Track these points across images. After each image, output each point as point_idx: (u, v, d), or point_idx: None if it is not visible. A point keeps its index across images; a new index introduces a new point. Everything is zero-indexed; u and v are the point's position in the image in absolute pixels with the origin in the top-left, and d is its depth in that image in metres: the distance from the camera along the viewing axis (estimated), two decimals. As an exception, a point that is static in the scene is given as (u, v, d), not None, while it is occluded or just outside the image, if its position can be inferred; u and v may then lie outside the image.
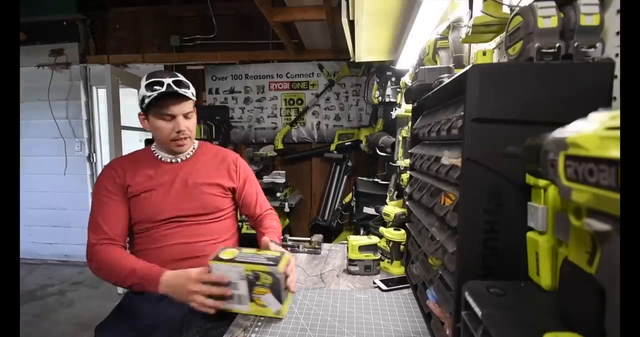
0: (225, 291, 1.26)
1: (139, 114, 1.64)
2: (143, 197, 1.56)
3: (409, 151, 1.44)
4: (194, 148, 1.75)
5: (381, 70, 3.15)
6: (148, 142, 4.20)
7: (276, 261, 1.24)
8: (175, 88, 1.51)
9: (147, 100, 1.50)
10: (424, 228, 1.16)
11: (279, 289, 1.23)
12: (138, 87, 1.56)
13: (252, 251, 1.33)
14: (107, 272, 1.44)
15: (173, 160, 1.67)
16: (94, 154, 4.88)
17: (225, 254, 1.29)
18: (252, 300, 1.27)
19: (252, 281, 1.25)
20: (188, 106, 1.60)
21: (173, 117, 1.56)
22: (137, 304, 1.46)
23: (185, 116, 1.60)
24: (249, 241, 1.73)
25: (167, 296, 1.37)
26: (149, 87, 1.50)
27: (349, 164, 4.45)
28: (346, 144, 4.41)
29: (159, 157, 1.67)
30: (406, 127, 1.86)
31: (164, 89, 1.49)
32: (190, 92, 1.58)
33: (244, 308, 1.29)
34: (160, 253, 1.53)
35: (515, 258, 0.76)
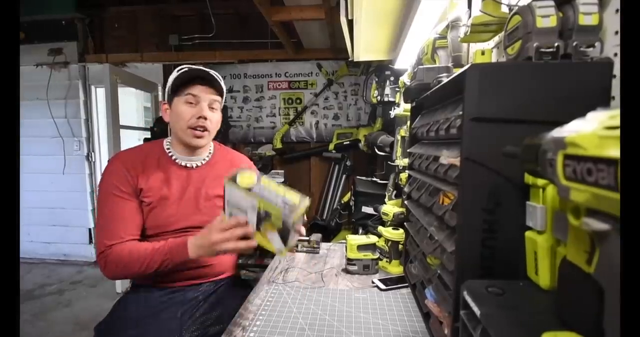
0: (247, 229, 1.22)
1: (162, 104, 1.59)
2: (155, 206, 1.48)
3: (408, 150, 1.44)
4: (210, 153, 1.67)
5: (380, 70, 3.15)
6: (147, 141, 4.21)
7: (292, 209, 1.15)
8: (206, 71, 1.49)
9: (174, 81, 1.48)
10: (423, 227, 1.15)
11: (286, 234, 1.19)
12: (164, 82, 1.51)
13: (272, 184, 1.23)
14: (127, 265, 1.35)
15: (188, 164, 1.58)
16: (92, 153, 4.87)
17: (243, 179, 1.22)
18: (258, 229, 1.23)
19: (262, 217, 1.20)
20: (215, 97, 1.54)
21: (197, 101, 1.49)
22: (135, 302, 1.46)
23: (211, 107, 1.53)
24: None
25: (165, 290, 1.38)
26: (180, 71, 1.48)
27: (348, 163, 4.46)
28: (345, 143, 4.42)
29: (173, 158, 1.57)
30: (405, 127, 1.86)
31: (195, 70, 1.48)
32: (221, 82, 1.54)
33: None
34: None
35: (514, 257, 0.76)
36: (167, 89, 1.53)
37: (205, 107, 1.50)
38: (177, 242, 1.35)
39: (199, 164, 1.61)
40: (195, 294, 1.49)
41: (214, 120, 1.56)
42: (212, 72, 1.51)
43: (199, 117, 1.49)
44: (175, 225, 1.49)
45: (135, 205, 1.46)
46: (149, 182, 1.48)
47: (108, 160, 1.55)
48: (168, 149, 1.59)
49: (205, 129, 1.52)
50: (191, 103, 1.49)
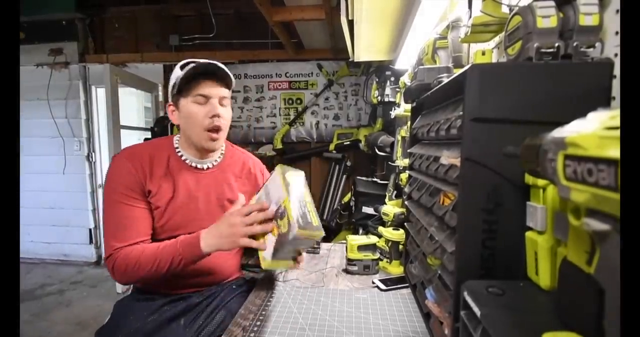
0: (268, 214, 1.18)
1: (168, 105, 1.48)
2: (162, 209, 1.41)
3: (408, 151, 1.44)
4: (221, 153, 1.60)
5: (380, 70, 3.15)
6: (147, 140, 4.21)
7: (306, 226, 1.10)
8: (212, 63, 1.38)
9: (179, 81, 1.37)
10: (423, 228, 1.16)
11: (280, 245, 1.14)
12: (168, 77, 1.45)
13: (308, 198, 1.21)
14: (136, 265, 1.27)
15: (199, 166, 1.50)
16: (93, 154, 4.87)
17: (291, 176, 1.22)
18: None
19: (276, 215, 1.17)
20: (225, 92, 1.44)
21: (207, 99, 1.40)
22: (137, 309, 1.42)
23: (221, 102, 1.44)
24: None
25: (168, 298, 1.37)
26: (184, 67, 1.38)
27: (348, 163, 4.46)
28: (345, 143, 4.41)
29: (184, 159, 1.49)
30: (405, 127, 1.86)
31: (199, 65, 1.37)
32: (229, 75, 1.44)
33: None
34: None
35: (514, 258, 0.77)
36: (171, 88, 1.44)
37: (217, 105, 1.41)
38: (188, 237, 1.28)
39: (210, 166, 1.54)
40: (199, 300, 1.46)
41: (227, 117, 1.47)
42: (219, 64, 1.40)
43: (213, 116, 1.40)
44: (183, 230, 1.40)
45: (145, 205, 1.40)
46: (157, 184, 1.41)
47: (113, 157, 1.46)
48: (177, 148, 1.51)
49: (219, 129, 1.44)
50: (201, 103, 1.41)
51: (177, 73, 1.39)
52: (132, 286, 1.56)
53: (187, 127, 1.44)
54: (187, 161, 1.49)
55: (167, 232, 1.41)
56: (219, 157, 1.58)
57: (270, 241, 1.16)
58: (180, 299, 1.44)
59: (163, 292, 1.46)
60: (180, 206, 1.43)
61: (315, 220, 1.14)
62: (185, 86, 1.39)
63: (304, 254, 1.27)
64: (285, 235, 1.10)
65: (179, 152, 1.50)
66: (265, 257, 1.17)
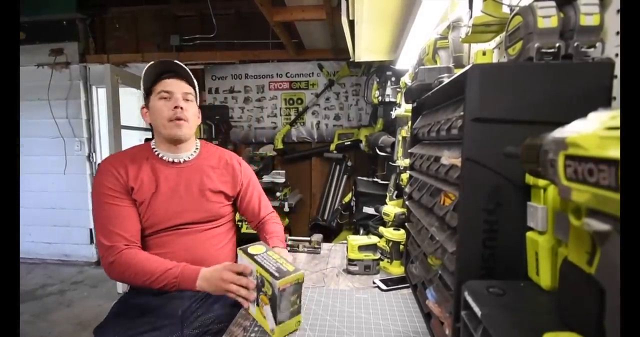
0: (249, 282, 1.23)
1: (142, 108, 1.62)
2: (146, 204, 1.49)
3: (409, 151, 1.44)
4: (196, 148, 1.69)
5: (381, 70, 3.15)
6: (147, 141, 4.21)
7: (282, 274, 1.13)
8: (171, 62, 1.55)
9: (145, 82, 1.53)
10: (424, 228, 1.15)
11: (275, 305, 1.13)
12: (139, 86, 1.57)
13: (275, 255, 1.25)
14: (134, 275, 1.36)
15: (175, 160, 1.60)
16: (93, 154, 4.87)
17: (253, 249, 1.29)
18: (258, 304, 1.22)
19: (259, 286, 1.20)
20: (187, 88, 1.57)
21: (170, 94, 1.53)
22: (136, 303, 1.45)
23: (185, 98, 1.56)
24: (249, 241, 1.69)
25: (167, 292, 1.39)
26: (146, 68, 1.53)
27: (349, 163, 4.46)
28: (346, 143, 4.42)
29: (161, 156, 1.59)
30: (406, 127, 1.86)
31: (159, 63, 1.54)
32: (189, 72, 1.59)
33: (252, 309, 1.25)
34: (168, 259, 1.45)
35: (515, 258, 0.77)
36: (141, 92, 1.58)
37: (179, 98, 1.53)
38: (189, 269, 1.35)
39: (187, 159, 1.63)
40: (193, 295, 1.49)
41: (191, 111, 1.58)
42: (177, 62, 1.57)
43: (175, 108, 1.52)
44: (169, 222, 1.52)
45: (129, 203, 1.48)
46: (138, 180, 1.50)
47: (98, 164, 1.59)
48: (154, 148, 1.61)
49: (183, 119, 1.54)
50: (165, 98, 1.53)
51: (142, 74, 1.55)
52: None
53: (155, 122, 1.56)
54: (164, 158, 1.59)
55: (156, 226, 1.50)
56: (195, 151, 1.68)
57: (268, 311, 1.16)
58: (176, 297, 1.47)
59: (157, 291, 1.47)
60: (163, 199, 1.52)
61: (289, 266, 1.18)
62: (151, 87, 1.54)
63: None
64: (274, 294, 1.12)
65: (155, 151, 1.60)
66: (273, 329, 1.16)
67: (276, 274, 1.12)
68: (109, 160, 1.55)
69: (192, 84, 1.61)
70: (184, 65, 1.58)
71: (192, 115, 1.59)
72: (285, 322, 1.16)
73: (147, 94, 1.56)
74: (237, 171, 1.73)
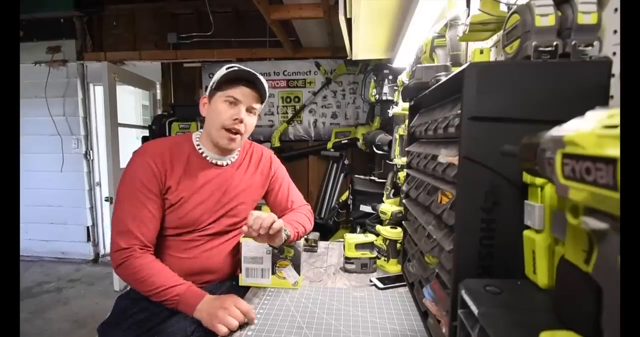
0: (245, 320, 1.22)
1: (202, 98, 1.57)
2: (179, 205, 1.45)
3: (406, 149, 1.44)
4: (238, 150, 1.66)
5: (378, 69, 3.15)
6: (145, 139, 4.21)
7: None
8: (254, 74, 1.47)
9: (220, 78, 1.45)
10: (421, 226, 1.15)
11: (299, 262, 1.46)
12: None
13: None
14: (139, 282, 1.32)
15: (219, 162, 1.56)
16: (90, 152, 4.87)
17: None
18: (274, 273, 1.46)
19: (277, 255, 1.45)
20: (256, 101, 1.52)
21: (237, 103, 1.46)
22: (138, 303, 1.41)
23: (249, 110, 1.51)
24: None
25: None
26: (229, 68, 1.46)
27: (346, 162, 4.46)
28: (343, 142, 4.42)
29: (205, 155, 1.54)
30: (403, 125, 1.86)
31: (243, 71, 1.45)
32: (265, 90, 1.53)
33: (266, 281, 1.47)
34: (180, 263, 1.45)
35: (512, 256, 0.76)
36: (211, 83, 1.50)
37: (243, 111, 1.47)
38: (193, 292, 1.30)
39: (229, 162, 1.60)
40: None
41: (249, 125, 1.53)
42: (260, 77, 1.49)
43: (235, 119, 1.46)
44: (197, 225, 1.49)
45: (157, 205, 1.43)
46: (177, 179, 1.46)
47: (134, 152, 1.50)
48: (198, 145, 1.56)
49: (238, 132, 1.49)
50: (230, 103, 1.47)
51: (221, 72, 1.47)
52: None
53: (210, 121, 1.50)
54: (207, 158, 1.55)
55: (184, 228, 1.48)
56: (237, 154, 1.65)
57: (289, 271, 1.47)
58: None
59: None
60: (199, 202, 1.49)
61: None
62: (223, 85, 1.47)
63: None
64: (296, 254, 1.47)
65: (199, 148, 1.55)
66: (296, 281, 1.48)
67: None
68: (149, 151, 1.47)
69: (262, 101, 1.55)
70: (263, 80, 1.51)
71: (249, 128, 1.54)
72: (302, 273, 1.51)
73: (215, 89, 1.49)
74: (269, 170, 1.73)
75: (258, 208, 1.67)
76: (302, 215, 1.71)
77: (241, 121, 1.47)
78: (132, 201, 1.40)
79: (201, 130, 1.60)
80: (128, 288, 1.52)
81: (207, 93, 1.54)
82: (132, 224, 1.37)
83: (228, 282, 1.58)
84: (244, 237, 1.41)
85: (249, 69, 1.46)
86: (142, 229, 1.38)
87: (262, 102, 1.55)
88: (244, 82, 1.47)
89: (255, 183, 1.66)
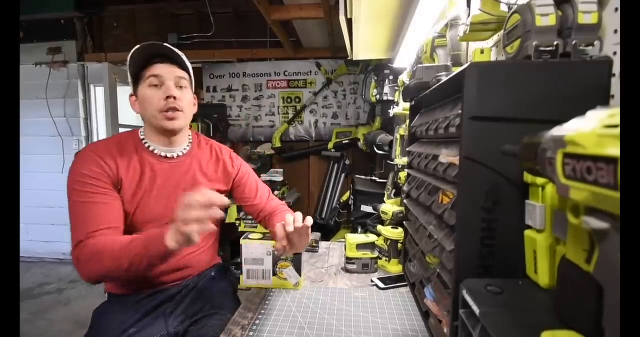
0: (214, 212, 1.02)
1: (130, 96, 1.45)
2: (133, 200, 1.35)
3: (407, 149, 1.44)
4: (190, 142, 1.55)
5: (379, 69, 3.15)
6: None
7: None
8: (161, 45, 1.36)
9: (131, 67, 1.35)
10: (422, 226, 1.15)
11: (299, 262, 1.47)
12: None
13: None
14: (99, 258, 1.15)
15: (168, 155, 1.45)
16: (91, 153, 4.85)
17: (256, 234, 1.50)
18: (275, 274, 1.48)
19: (278, 256, 1.46)
20: (181, 72, 1.40)
21: (162, 82, 1.35)
22: (113, 307, 1.40)
23: (178, 85, 1.39)
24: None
25: (145, 294, 1.37)
26: (134, 52, 1.35)
27: (347, 162, 4.46)
28: (344, 142, 4.42)
29: (152, 149, 1.44)
30: (404, 126, 1.86)
31: (146, 46, 1.35)
32: (182, 56, 1.41)
33: (267, 282, 1.49)
34: None
35: (513, 256, 0.76)
36: (129, 80, 1.41)
37: (172, 86, 1.36)
38: (156, 231, 1.12)
39: (180, 154, 1.49)
40: (177, 290, 1.45)
41: (185, 100, 1.41)
42: (168, 46, 1.39)
43: (168, 98, 1.35)
44: (154, 223, 1.37)
45: (110, 195, 1.30)
46: (129, 173, 1.35)
47: (76, 154, 1.36)
48: (144, 139, 1.46)
49: (177, 110, 1.38)
50: (156, 85, 1.36)
51: (128, 60, 1.36)
52: (107, 295, 1.51)
53: (145, 112, 1.40)
54: (155, 151, 1.44)
55: (143, 226, 1.36)
56: (188, 145, 1.54)
57: (290, 272, 1.48)
58: (158, 293, 1.43)
59: (139, 290, 1.42)
60: (153, 198, 1.39)
61: None
62: (139, 73, 1.37)
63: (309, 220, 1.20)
64: (296, 259, 1.48)
65: (145, 142, 1.45)
66: (297, 281, 1.49)
67: None
68: (93, 149, 1.34)
69: (185, 69, 1.43)
70: (175, 49, 1.40)
71: (187, 103, 1.43)
72: (303, 273, 1.53)
73: (136, 81, 1.39)
74: (229, 166, 1.61)
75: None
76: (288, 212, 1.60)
77: (175, 98, 1.36)
78: (78, 196, 1.26)
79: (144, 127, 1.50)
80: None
81: (132, 90, 1.43)
82: (84, 217, 1.24)
83: (208, 273, 1.56)
84: (243, 240, 1.41)
85: (154, 42, 1.37)
86: (98, 216, 1.25)
87: (186, 71, 1.43)
88: (156, 59, 1.37)
89: (217, 177, 1.57)
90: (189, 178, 1.48)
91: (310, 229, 1.22)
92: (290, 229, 1.14)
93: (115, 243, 1.16)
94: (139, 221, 1.36)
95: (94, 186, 1.27)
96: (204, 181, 1.51)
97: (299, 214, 1.19)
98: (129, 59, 1.36)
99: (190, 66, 1.45)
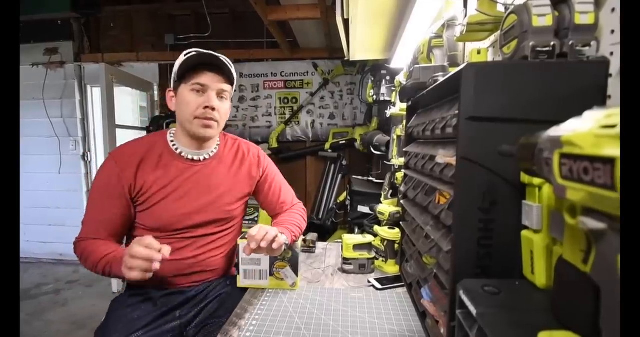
0: (153, 254, 1.11)
1: (168, 91, 1.49)
2: (156, 204, 1.41)
3: (404, 150, 1.44)
4: (217, 144, 1.58)
5: (376, 69, 3.16)
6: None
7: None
8: (216, 56, 1.39)
9: (180, 68, 1.38)
10: (419, 227, 1.15)
11: (296, 263, 1.46)
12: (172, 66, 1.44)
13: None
14: (85, 260, 1.36)
15: (195, 158, 1.49)
16: (88, 153, 4.86)
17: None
18: (272, 274, 1.46)
19: (275, 257, 1.44)
20: (225, 86, 1.43)
21: (204, 90, 1.39)
22: (133, 304, 1.41)
23: (220, 95, 1.43)
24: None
25: (163, 292, 1.41)
26: (187, 54, 1.38)
27: (344, 162, 4.46)
28: (341, 142, 4.42)
29: (178, 151, 1.47)
30: (401, 126, 1.86)
31: (203, 54, 1.38)
32: (232, 69, 1.45)
33: (264, 282, 1.48)
34: (169, 265, 1.38)
35: (510, 257, 0.76)
36: (173, 75, 1.44)
37: (213, 97, 1.40)
38: (118, 256, 1.23)
39: (207, 157, 1.53)
40: (194, 293, 1.48)
41: (223, 111, 1.46)
42: (222, 57, 1.41)
43: (206, 108, 1.39)
44: (178, 225, 1.43)
45: (120, 207, 1.40)
46: (148, 180, 1.40)
47: (109, 154, 1.48)
48: (172, 141, 1.50)
49: (213, 120, 1.42)
50: (198, 91, 1.39)
51: (180, 60, 1.39)
52: (125, 283, 1.58)
53: (181, 114, 1.43)
54: (182, 154, 1.48)
55: (162, 229, 1.42)
56: (215, 148, 1.57)
57: (287, 272, 1.47)
58: (177, 293, 1.46)
59: (158, 287, 1.46)
60: (173, 199, 1.44)
61: None
62: (186, 74, 1.39)
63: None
64: (294, 256, 1.48)
65: (174, 145, 1.49)
66: (294, 281, 1.48)
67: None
68: (115, 157, 1.44)
69: (231, 82, 1.47)
70: (227, 60, 1.43)
71: (224, 114, 1.48)
72: (300, 273, 1.51)
73: (179, 79, 1.41)
74: (254, 167, 1.65)
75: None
76: (297, 215, 1.68)
77: (213, 109, 1.40)
78: (92, 202, 1.44)
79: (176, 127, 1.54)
80: (123, 290, 1.52)
81: (172, 85, 1.47)
82: (90, 222, 1.43)
83: (223, 281, 1.57)
84: (240, 239, 1.41)
85: (209, 52, 1.39)
86: (96, 227, 1.42)
87: (231, 84, 1.47)
88: (207, 67, 1.39)
89: (240, 180, 1.59)
90: (213, 181, 1.52)
91: (278, 243, 1.31)
92: (246, 253, 1.29)
93: (97, 252, 1.32)
94: (157, 224, 1.42)
95: (104, 196, 1.41)
96: (226, 184, 1.55)
97: (259, 235, 1.26)
98: (180, 61, 1.39)
99: (236, 79, 1.50)
